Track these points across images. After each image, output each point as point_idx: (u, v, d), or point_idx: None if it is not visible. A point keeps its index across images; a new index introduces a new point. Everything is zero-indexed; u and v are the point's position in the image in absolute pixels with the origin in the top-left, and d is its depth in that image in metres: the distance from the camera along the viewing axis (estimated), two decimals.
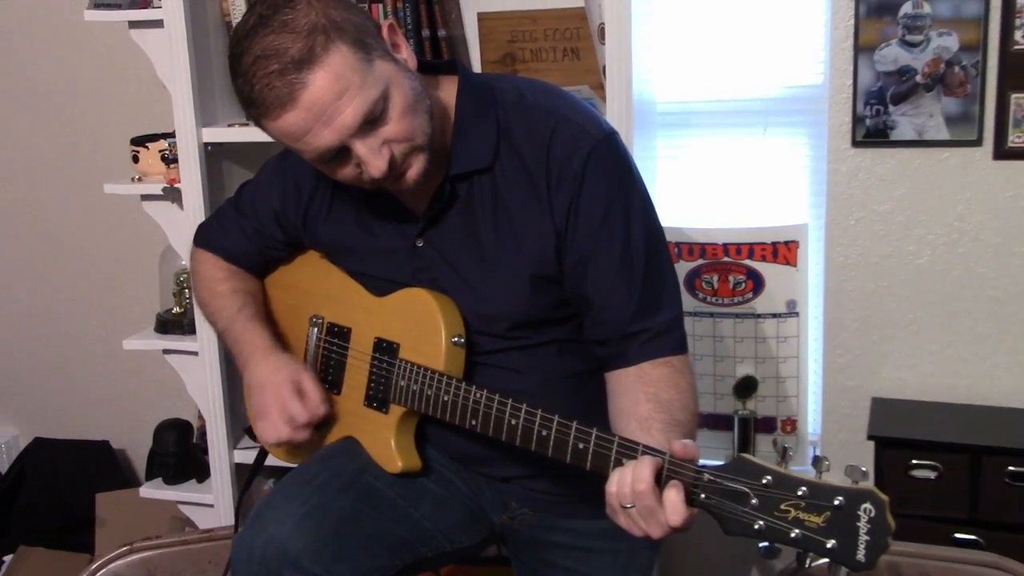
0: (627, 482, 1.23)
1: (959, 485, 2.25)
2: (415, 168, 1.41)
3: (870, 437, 2.31)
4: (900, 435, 2.31)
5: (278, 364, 1.63)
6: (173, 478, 2.61)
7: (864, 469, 1.15)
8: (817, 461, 1.18)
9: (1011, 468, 2.21)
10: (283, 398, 1.58)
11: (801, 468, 2.45)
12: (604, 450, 1.30)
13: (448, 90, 1.50)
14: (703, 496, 1.21)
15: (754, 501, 1.18)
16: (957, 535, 2.25)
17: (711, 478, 1.20)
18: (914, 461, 2.26)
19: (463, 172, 1.47)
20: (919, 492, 2.26)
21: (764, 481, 1.17)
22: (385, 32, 1.40)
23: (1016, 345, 2.41)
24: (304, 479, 1.57)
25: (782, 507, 1.16)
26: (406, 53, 1.41)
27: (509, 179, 1.46)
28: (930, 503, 2.26)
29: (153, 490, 2.62)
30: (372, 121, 1.34)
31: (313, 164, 1.42)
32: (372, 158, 1.36)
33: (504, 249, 1.47)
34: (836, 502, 1.13)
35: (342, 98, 1.31)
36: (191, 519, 2.63)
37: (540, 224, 1.45)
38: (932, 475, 2.26)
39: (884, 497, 1.12)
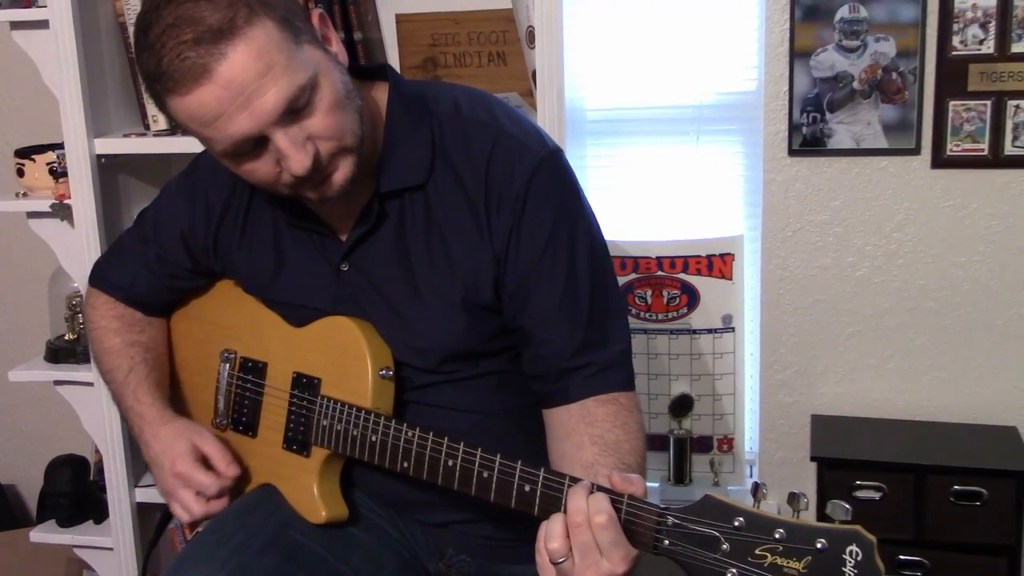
0: (582, 511, 1.11)
1: (904, 506, 2.22)
2: (342, 171, 1.27)
3: (813, 458, 2.26)
4: (843, 455, 2.26)
5: (173, 433, 1.48)
6: (68, 520, 2.44)
7: (848, 507, 1.07)
8: (793, 498, 1.10)
9: (956, 487, 2.18)
10: (187, 473, 1.44)
11: (738, 489, 2.43)
12: (555, 492, 1.19)
13: (378, 97, 1.39)
14: (667, 542, 1.11)
15: (725, 546, 1.08)
16: (902, 557, 2.21)
17: (676, 521, 1.11)
18: (858, 482, 2.22)
19: (394, 189, 1.36)
20: (863, 514, 2.20)
21: (736, 523, 1.08)
22: (316, 21, 1.27)
23: (956, 358, 2.38)
24: (220, 539, 1.41)
25: (757, 552, 1.07)
26: (337, 47, 1.29)
27: (444, 198, 1.35)
28: (875, 525, 2.17)
29: (45, 534, 2.45)
30: (296, 111, 1.21)
31: (223, 160, 1.27)
32: (294, 152, 1.21)
33: (437, 274, 1.36)
34: (818, 545, 1.05)
35: (264, 77, 1.17)
36: (89, 564, 2.46)
37: (477, 248, 1.34)
38: (877, 496, 2.22)
39: (871, 537, 1.05)
